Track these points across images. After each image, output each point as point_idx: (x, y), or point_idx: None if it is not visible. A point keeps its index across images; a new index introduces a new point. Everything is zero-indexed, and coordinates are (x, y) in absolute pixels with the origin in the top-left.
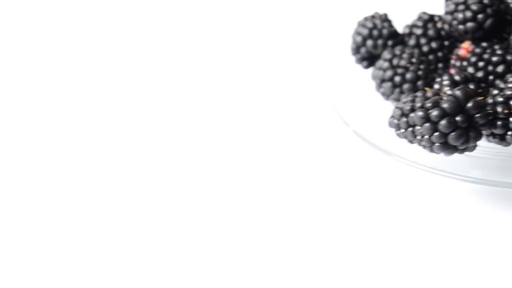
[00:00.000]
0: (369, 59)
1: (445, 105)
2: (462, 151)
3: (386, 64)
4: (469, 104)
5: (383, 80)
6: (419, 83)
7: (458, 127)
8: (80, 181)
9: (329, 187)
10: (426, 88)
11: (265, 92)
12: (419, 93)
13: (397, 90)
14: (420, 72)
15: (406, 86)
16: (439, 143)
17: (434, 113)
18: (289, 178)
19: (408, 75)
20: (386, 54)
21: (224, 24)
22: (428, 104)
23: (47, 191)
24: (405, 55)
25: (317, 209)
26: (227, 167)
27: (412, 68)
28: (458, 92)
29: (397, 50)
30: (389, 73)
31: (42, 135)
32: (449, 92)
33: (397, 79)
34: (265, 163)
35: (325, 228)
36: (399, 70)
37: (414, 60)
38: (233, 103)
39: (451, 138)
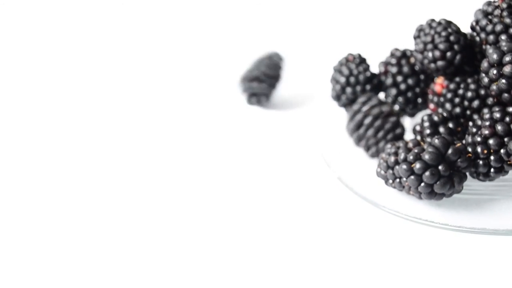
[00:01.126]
0: (351, 103)
1: (426, 157)
2: (450, 195)
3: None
4: (449, 152)
5: (359, 139)
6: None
7: (442, 176)
8: (77, 181)
9: (311, 231)
10: (406, 139)
11: (250, 131)
12: (401, 144)
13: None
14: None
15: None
16: (426, 192)
17: (417, 166)
18: (271, 222)
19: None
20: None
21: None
22: (411, 157)
23: (46, 191)
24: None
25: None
26: (209, 212)
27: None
28: (437, 142)
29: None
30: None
31: (41, 135)
32: (428, 140)
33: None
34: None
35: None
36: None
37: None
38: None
39: (437, 187)
